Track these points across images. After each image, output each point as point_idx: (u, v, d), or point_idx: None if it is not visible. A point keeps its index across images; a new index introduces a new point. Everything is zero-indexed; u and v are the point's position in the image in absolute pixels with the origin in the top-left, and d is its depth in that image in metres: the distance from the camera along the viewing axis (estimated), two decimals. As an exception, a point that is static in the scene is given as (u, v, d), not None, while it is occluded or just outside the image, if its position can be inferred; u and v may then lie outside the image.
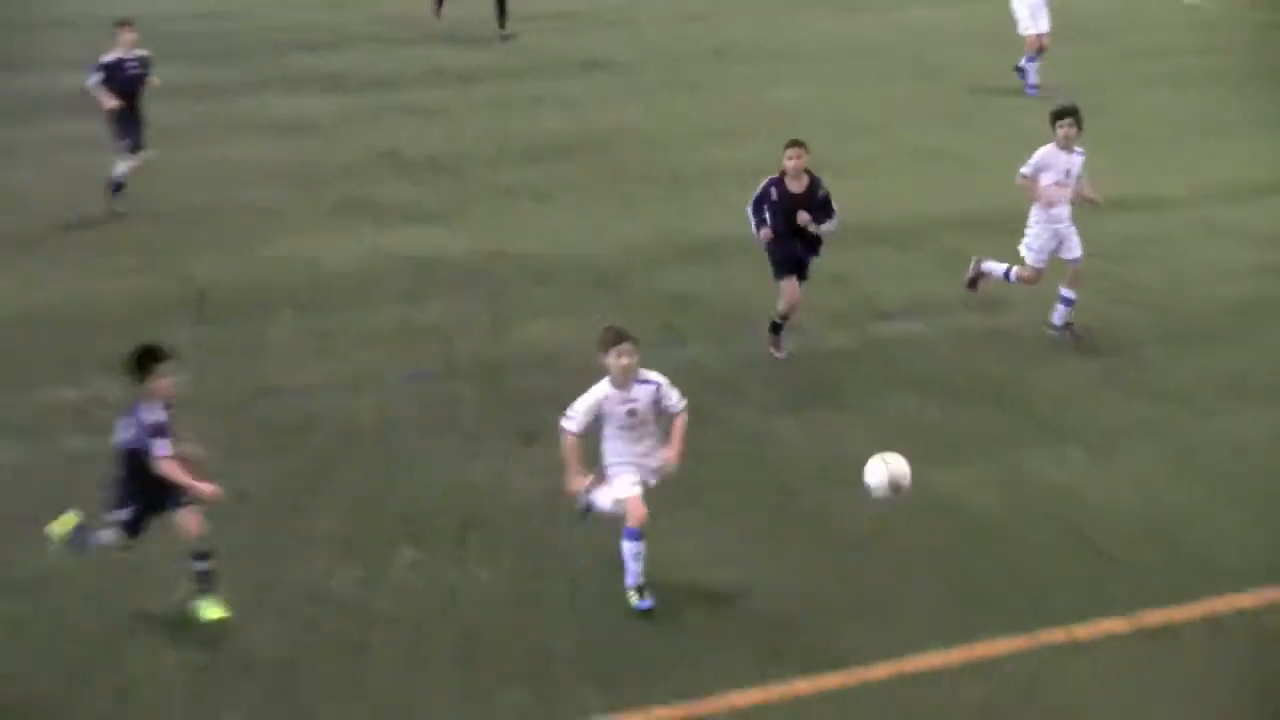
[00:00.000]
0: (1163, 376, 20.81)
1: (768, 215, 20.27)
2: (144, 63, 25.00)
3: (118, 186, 24.88)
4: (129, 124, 24.68)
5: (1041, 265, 21.81)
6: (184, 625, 14.82)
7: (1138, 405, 19.94)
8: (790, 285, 20.56)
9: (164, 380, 14.43)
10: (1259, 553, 16.43)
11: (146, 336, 20.64)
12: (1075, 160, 21.73)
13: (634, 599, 15.05)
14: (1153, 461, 18.50)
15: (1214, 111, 32.31)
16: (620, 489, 15.08)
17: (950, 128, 30.80)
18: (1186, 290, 23.37)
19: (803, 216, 20.05)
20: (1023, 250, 21.82)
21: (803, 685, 14.04)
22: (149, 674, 14.14)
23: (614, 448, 15.29)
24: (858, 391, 19.89)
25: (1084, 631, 14.86)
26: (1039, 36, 33.98)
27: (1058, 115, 21.78)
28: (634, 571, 15.12)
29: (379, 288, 22.87)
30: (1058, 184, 21.67)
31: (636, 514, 14.92)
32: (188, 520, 14.48)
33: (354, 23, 34.67)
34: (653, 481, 15.35)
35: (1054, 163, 21.65)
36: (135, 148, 24.83)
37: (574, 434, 14.99)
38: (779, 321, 20.89)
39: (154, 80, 25.08)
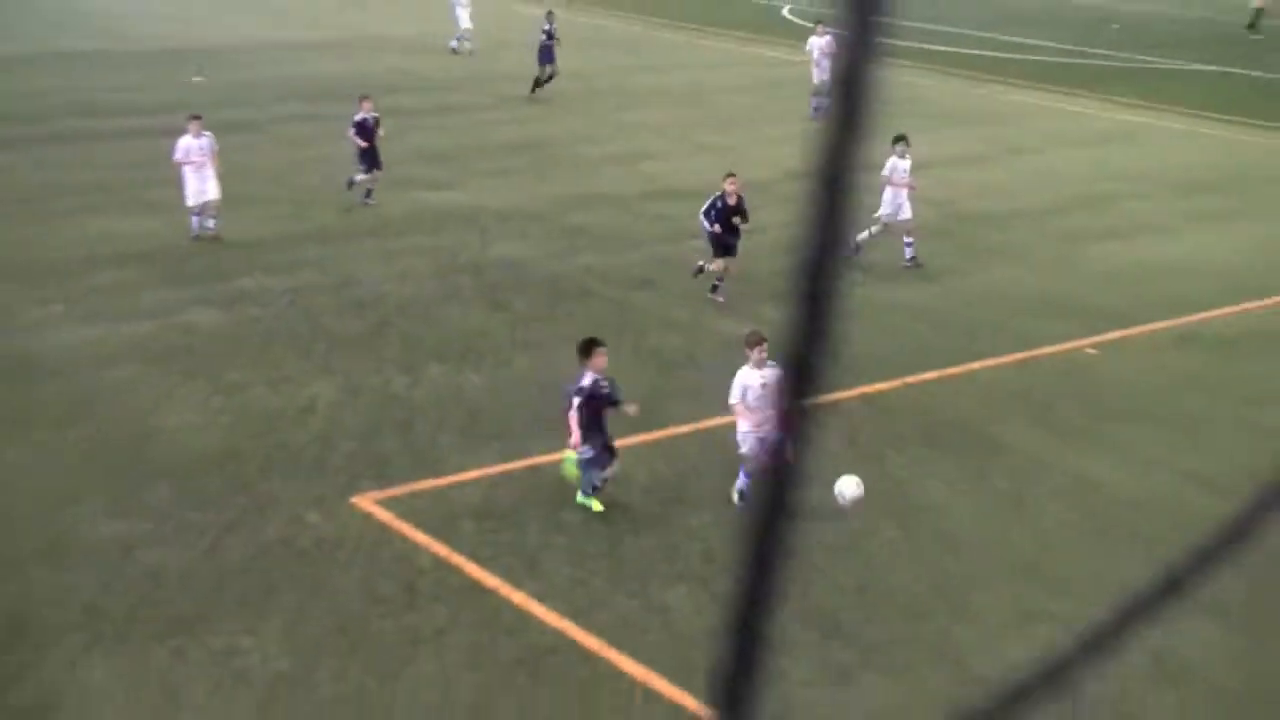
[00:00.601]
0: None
1: (714, 217, 18.87)
2: (377, 121, 23.33)
3: (350, 184, 23.51)
4: (371, 155, 23.27)
5: (888, 220, 20.98)
6: (298, 415, 15.02)
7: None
8: (721, 263, 18.96)
9: (599, 359, 12.76)
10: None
11: (295, 254, 20.78)
12: (907, 164, 20.91)
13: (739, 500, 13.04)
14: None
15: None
16: (746, 446, 12.81)
17: (719, 134, 30.62)
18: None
19: (735, 222, 18.83)
20: (877, 214, 20.95)
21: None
22: (294, 444, 14.34)
23: (745, 420, 12.88)
24: (668, 281, 19.86)
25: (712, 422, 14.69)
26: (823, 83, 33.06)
27: (894, 140, 20.95)
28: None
29: (416, 225, 22.64)
30: (898, 177, 20.86)
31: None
32: (610, 472, 12.91)
33: (405, 80, 34.27)
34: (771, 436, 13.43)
35: (897, 165, 20.86)
36: (375, 168, 23.36)
37: (734, 404, 12.87)
38: (717, 283, 19.04)
39: (382, 132, 23.50)
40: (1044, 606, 11.74)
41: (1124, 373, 17.33)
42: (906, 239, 21.12)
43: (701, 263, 19.33)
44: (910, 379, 16.47)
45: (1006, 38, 47.08)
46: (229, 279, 19.47)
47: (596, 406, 12.84)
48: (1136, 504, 13.61)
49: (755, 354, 12.88)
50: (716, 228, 18.92)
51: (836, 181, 1.06)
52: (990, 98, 37.07)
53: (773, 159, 26.80)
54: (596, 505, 12.99)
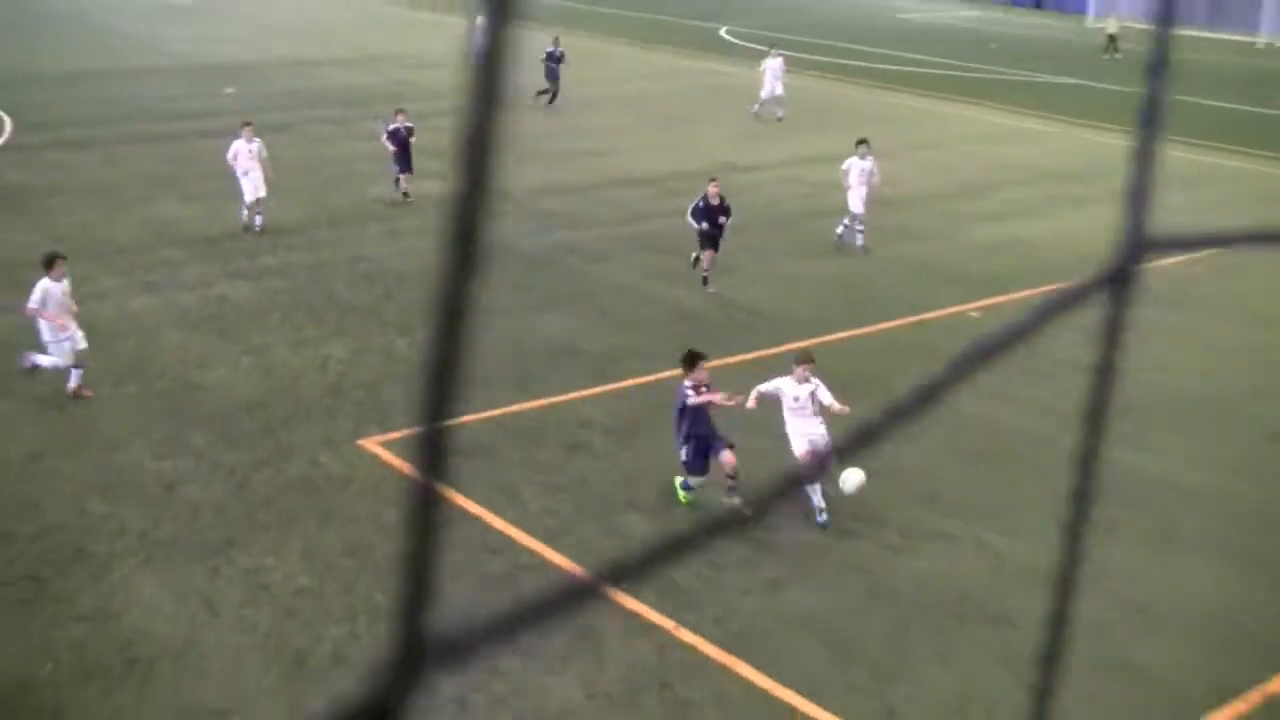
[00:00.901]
0: (757, 243, 20.82)
1: (698, 216, 17.63)
2: (410, 130, 22.29)
3: (396, 183, 22.51)
4: (404, 159, 22.25)
5: (859, 211, 19.97)
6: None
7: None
8: (708, 253, 17.76)
9: (699, 372, 11.39)
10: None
11: (314, 235, 20.33)
12: (868, 164, 19.84)
13: (821, 516, 11.41)
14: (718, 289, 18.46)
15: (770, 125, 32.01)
16: (797, 448, 11.57)
17: (665, 133, 30.11)
18: (772, 210, 23.20)
19: (719, 220, 17.57)
20: (852, 211, 20.15)
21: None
22: (311, 396, 13.99)
23: (791, 424, 11.67)
24: (621, 255, 19.62)
25: (661, 375, 15.04)
26: (775, 98, 32.35)
27: (858, 141, 20.05)
28: (818, 495, 11.48)
29: (416, 210, 22.24)
30: (858, 177, 19.94)
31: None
32: (727, 457, 11.41)
33: (409, 90, 33.51)
34: (822, 442, 11.43)
35: (855, 165, 19.91)
36: (406, 170, 22.29)
37: (761, 389, 11.59)
38: (705, 275, 17.84)
39: (413, 140, 22.32)
40: (938, 526, 11.66)
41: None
42: (859, 226, 20.48)
43: (695, 254, 18.47)
44: (826, 338, 16.33)
45: (908, 54, 46.77)
46: (257, 257, 19.07)
47: (697, 412, 11.49)
48: (1012, 435, 13.59)
49: (799, 370, 11.65)
50: (704, 225, 17.70)
51: (475, 189, 0.85)
52: (895, 104, 36.76)
53: (710, 153, 26.55)
54: (682, 497, 11.73)
